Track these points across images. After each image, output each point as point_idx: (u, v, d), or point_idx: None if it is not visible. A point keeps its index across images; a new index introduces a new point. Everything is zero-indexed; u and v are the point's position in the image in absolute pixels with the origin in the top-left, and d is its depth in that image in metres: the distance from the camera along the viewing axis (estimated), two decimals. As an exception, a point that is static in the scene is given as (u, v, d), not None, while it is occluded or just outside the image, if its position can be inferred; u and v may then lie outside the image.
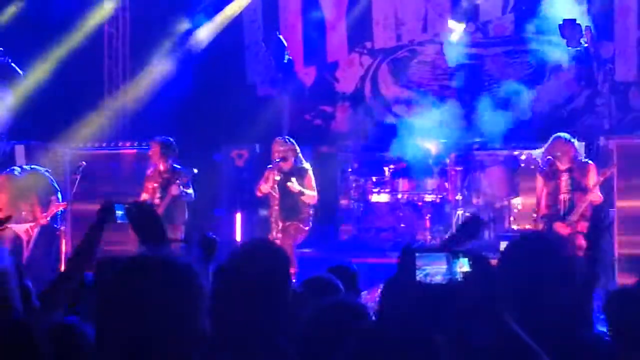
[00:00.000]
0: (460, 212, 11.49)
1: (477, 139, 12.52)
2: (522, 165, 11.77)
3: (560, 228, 8.87)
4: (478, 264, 2.31)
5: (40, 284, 3.99)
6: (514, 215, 11.65)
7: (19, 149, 11.78)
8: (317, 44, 14.11)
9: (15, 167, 10.43)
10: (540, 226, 9.34)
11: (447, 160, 11.72)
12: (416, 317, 2.38)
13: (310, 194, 10.05)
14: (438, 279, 2.33)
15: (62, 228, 10.54)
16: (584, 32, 12.27)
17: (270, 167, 10.18)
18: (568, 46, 12.37)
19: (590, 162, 9.38)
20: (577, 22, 12.29)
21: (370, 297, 7.79)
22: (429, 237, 11.48)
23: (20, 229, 9.98)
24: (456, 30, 12.23)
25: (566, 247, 3.59)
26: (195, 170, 10.25)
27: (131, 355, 2.16)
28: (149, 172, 10.35)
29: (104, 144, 12.45)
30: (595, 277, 3.40)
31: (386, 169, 12.15)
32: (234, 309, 3.12)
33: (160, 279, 2.21)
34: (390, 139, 13.04)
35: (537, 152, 9.79)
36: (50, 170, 10.61)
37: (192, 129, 12.85)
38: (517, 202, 11.53)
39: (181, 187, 9.92)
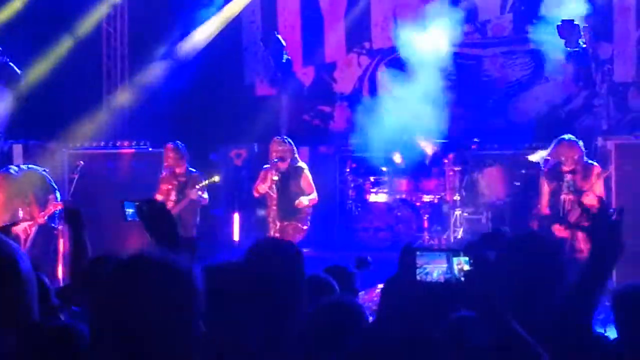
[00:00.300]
0: (458, 212, 11.49)
1: (475, 139, 12.51)
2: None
3: (559, 230, 8.86)
4: (478, 263, 2.30)
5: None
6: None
7: (17, 149, 11.78)
8: (315, 45, 14.10)
9: (12, 166, 10.42)
10: (535, 225, 9.34)
11: (445, 161, 11.70)
12: (416, 315, 2.38)
13: (313, 197, 10.13)
14: (438, 277, 2.32)
15: (60, 227, 10.53)
16: (582, 33, 12.26)
17: (266, 168, 10.20)
18: (566, 46, 12.35)
19: (595, 164, 9.32)
20: (576, 22, 12.27)
21: (368, 297, 7.79)
22: (427, 237, 11.47)
23: (18, 228, 9.97)
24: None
25: (560, 247, 3.56)
26: (218, 178, 10.44)
27: (125, 355, 2.15)
28: (163, 174, 10.59)
29: (102, 144, 12.44)
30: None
31: (384, 169, 12.14)
32: (244, 310, 3.14)
33: (153, 279, 2.20)
34: (389, 139, 13.04)
35: (537, 157, 9.74)
36: (47, 170, 10.60)
37: (190, 128, 12.84)
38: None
39: (199, 192, 10.13)
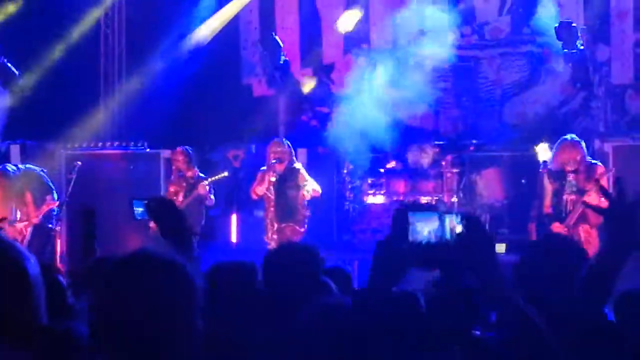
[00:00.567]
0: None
1: (473, 141, 12.52)
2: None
3: (558, 229, 8.84)
4: (471, 224, 2.26)
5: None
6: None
7: (15, 149, 11.78)
8: (313, 46, 14.10)
9: (10, 165, 10.40)
10: (533, 227, 9.33)
11: (443, 162, 11.70)
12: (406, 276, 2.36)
13: (315, 185, 10.13)
14: (429, 236, 2.29)
15: (57, 228, 10.52)
16: (579, 35, 12.28)
17: (263, 170, 10.21)
18: (564, 48, 12.37)
19: (599, 164, 9.28)
20: (573, 24, 12.29)
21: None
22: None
23: (13, 229, 9.96)
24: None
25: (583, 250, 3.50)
26: (227, 173, 10.57)
27: (125, 353, 2.16)
28: (172, 178, 10.84)
29: (99, 144, 12.43)
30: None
31: (382, 170, 12.14)
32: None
33: (151, 276, 2.20)
34: (387, 141, 13.05)
35: (542, 151, 9.67)
36: (45, 170, 10.58)
37: (188, 129, 12.84)
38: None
39: (207, 187, 10.39)
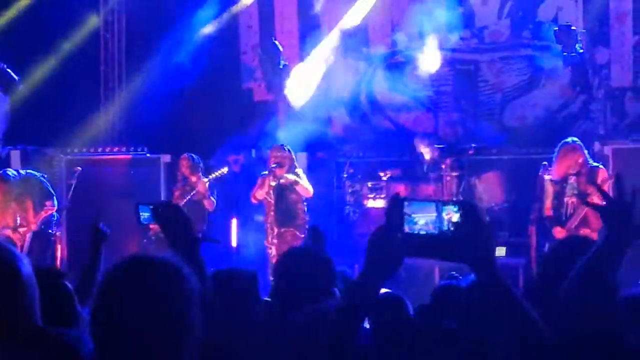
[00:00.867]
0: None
1: (473, 145, 12.52)
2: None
3: (559, 233, 8.82)
4: (469, 213, 2.23)
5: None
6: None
7: (15, 154, 11.79)
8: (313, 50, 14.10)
9: (11, 170, 10.39)
10: (533, 230, 9.31)
11: (443, 166, 11.71)
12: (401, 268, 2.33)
13: (306, 184, 10.10)
14: (427, 226, 2.25)
15: (58, 233, 10.52)
16: (579, 38, 12.29)
17: (263, 174, 10.22)
18: (563, 52, 12.38)
19: (601, 166, 9.23)
20: (573, 27, 12.30)
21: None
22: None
23: (16, 234, 9.96)
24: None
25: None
26: (226, 170, 10.64)
27: (125, 357, 2.16)
28: (177, 182, 10.93)
29: (99, 149, 12.44)
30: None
31: (382, 174, 12.14)
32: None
33: (149, 281, 2.21)
34: (386, 145, 13.07)
35: None
36: (45, 175, 10.59)
37: (188, 134, 12.85)
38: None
39: (207, 184, 10.57)
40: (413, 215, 2.25)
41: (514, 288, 2.24)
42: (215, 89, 13.65)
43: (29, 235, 10.00)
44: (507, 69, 13.65)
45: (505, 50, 13.69)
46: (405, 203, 2.28)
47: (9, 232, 9.94)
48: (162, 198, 11.30)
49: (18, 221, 9.95)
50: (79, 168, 11.00)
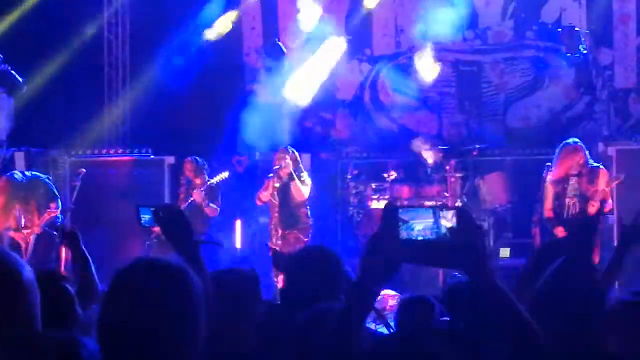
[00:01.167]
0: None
1: (477, 146, 12.52)
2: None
3: (561, 233, 8.82)
4: (463, 219, 2.24)
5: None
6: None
7: (19, 156, 11.79)
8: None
9: (17, 172, 10.40)
10: (536, 232, 9.31)
11: (447, 167, 11.70)
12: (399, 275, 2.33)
13: (301, 185, 10.04)
14: (424, 232, 2.25)
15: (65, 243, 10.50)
16: (583, 39, 12.29)
17: (270, 176, 10.22)
18: (567, 53, 12.38)
19: (601, 167, 9.23)
20: (576, 28, 12.30)
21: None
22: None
23: (20, 235, 9.98)
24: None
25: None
26: (227, 174, 10.60)
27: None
28: (182, 184, 10.94)
29: (103, 151, 12.46)
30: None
31: (386, 175, 12.14)
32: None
33: (154, 284, 2.21)
34: (390, 146, 13.07)
35: None
36: (51, 177, 10.60)
37: (191, 135, 12.86)
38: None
39: (204, 194, 10.47)
40: (411, 222, 2.25)
41: (509, 293, 2.24)
42: (219, 90, 13.66)
43: (32, 237, 10.01)
44: (511, 70, 13.65)
45: (508, 51, 13.69)
46: (402, 210, 2.28)
47: (12, 233, 9.96)
48: (166, 199, 11.30)
49: (22, 222, 9.97)
50: (83, 170, 11.01)
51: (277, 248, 10.17)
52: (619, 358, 2.84)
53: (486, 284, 2.22)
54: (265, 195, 10.23)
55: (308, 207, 10.28)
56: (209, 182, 10.59)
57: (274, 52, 13.21)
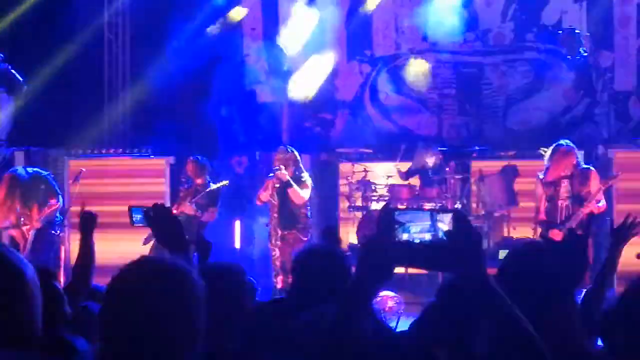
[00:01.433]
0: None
1: (477, 147, 12.53)
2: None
3: (556, 235, 8.83)
4: (460, 222, 2.24)
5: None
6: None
7: (19, 155, 11.80)
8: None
9: (20, 168, 10.40)
10: (539, 232, 9.31)
11: (447, 169, 11.70)
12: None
13: (298, 189, 10.02)
14: (422, 236, 2.25)
15: (62, 234, 10.53)
16: (583, 41, 12.30)
17: (270, 176, 10.21)
18: (567, 55, 12.39)
19: (592, 168, 9.28)
20: (577, 31, 12.31)
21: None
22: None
23: (19, 231, 9.98)
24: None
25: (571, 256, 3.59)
26: (226, 182, 10.52)
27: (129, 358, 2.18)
28: (183, 183, 10.75)
29: (103, 151, 12.46)
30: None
31: (385, 177, 12.13)
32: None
33: (156, 284, 2.22)
34: (390, 147, 13.06)
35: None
36: (52, 175, 10.59)
37: (191, 135, 12.87)
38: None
39: (194, 205, 10.32)
40: (408, 224, 2.25)
41: (505, 296, 2.24)
42: (219, 91, 13.66)
43: (31, 233, 10.01)
44: (511, 72, 13.66)
45: (509, 53, 13.70)
46: (397, 212, 2.28)
47: (11, 229, 9.97)
48: (166, 199, 11.29)
49: (22, 220, 9.97)
50: (83, 169, 11.01)
51: (276, 249, 10.18)
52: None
53: (482, 287, 2.22)
54: (265, 195, 10.22)
55: (309, 207, 10.28)
56: (207, 190, 10.44)
57: (275, 52, 13.22)
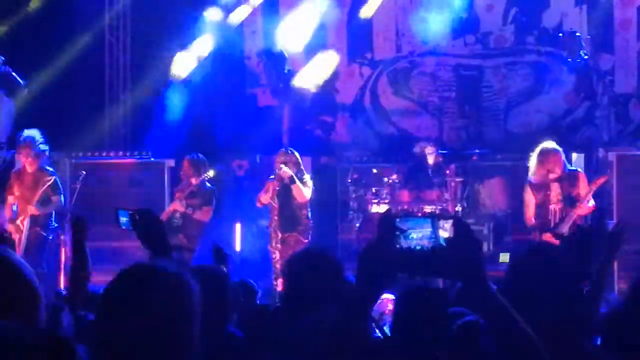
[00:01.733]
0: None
1: (477, 150, 12.53)
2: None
3: (550, 239, 8.82)
4: (461, 229, 2.24)
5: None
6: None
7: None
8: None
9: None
10: (536, 235, 9.31)
11: (447, 171, 11.71)
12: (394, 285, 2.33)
13: (301, 186, 9.97)
14: (421, 242, 2.24)
15: (62, 237, 10.53)
16: (583, 44, 12.30)
17: (271, 179, 10.20)
18: (568, 58, 12.39)
19: (579, 170, 9.32)
20: (577, 34, 12.32)
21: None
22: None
23: (14, 226, 9.98)
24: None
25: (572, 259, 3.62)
26: (212, 173, 10.37)
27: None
28: (180, 186, 10.62)
29: (104, 154, 12.46)
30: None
31: (386, 179, 12.14)
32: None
33: (152, 289, 2.22)
34: (390, 150, 13.07)
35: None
36: (57, 173, 10.57)
37: (192, 138, 12.86)
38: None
39: (184, 203, 10.13)
40: (409, 231, 2.25)
41: (506, 303, 2.24)
42: (220, 94, 13.66)
43: (26, 222, 9.96)
44: (512, 75, 13.66)
45: (509, 56, 13.71)
46: (400, 220, 2.27)
47: (10, 224, 9.98)
48: (166, 202, 11.27)
49: (18, 217, 9.98)
50: (84, 172, 11.01)
51: (277, 251, 10.17)
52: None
53: (482, 295, 2.22)
54: (265, 197, 10.21)
55: (309, 208, 10.26)
56: (190, 188, 10.26)
57: (275, 56, 13.22)
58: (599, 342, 3.50)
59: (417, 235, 2.23)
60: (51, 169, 10.40)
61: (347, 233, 12.53)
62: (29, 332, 1.95)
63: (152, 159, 12.15)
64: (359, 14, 13.62)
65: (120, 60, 14.03)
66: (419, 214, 10.25)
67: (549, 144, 9.13)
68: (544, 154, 9.03)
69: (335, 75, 13.99)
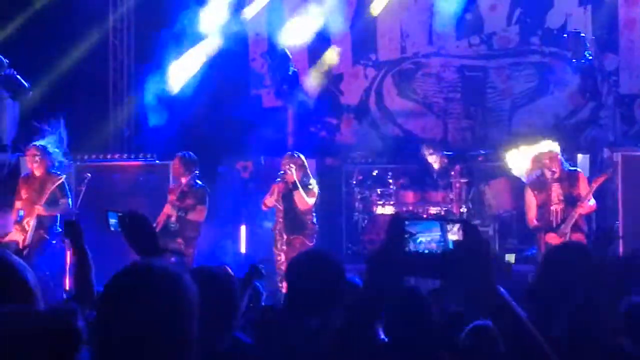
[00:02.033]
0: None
1: (482, 151, 12.52)
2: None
3: (553, 239, 8.82)
4: (468, 232, 2.23)
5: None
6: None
7: (24, 161, 11.80)
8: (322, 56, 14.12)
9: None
10: (542, 236, 9.31)
11: (452, 173, 11.70)
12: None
13: (304, 194, 9.94)
14: (431, 246, 2.24)
15: (67, 241, 10.51)
16: (588, 45, 12.29)
17: (277, 181, 10.18)
18: (572, 58, 12.37)
19: (579, 170, 9.33)
20: (582, 34, 12.30)
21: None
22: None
23: (19, 227, 10.00)
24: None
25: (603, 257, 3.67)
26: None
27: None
28: (172, 185, 10.56)
29: (109, 156, 12.46)
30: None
31: (391, 181, 12.14)
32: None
33: (151, 289, 2.22)
34: (395, 151, 13.07)
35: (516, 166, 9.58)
36: (65, 176, 10.57)
37: (196, 140, 12.85)
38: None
39: (176, 206, 9.99)
40: (418, 234, 2.24)
41: (516, 307, 2.24)
42: (224, 96, 13.67)
43: (32, 222, 9.98)
44: (516, 76, 13.66)
45: (514, 56, 13.70)
46: (409, 223, 2.27)
47: (14, 227, 10.00)
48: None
49: (25, 221, 9.99)
50: (89, 175, 11.00)
51: (282, 254, 10.15)
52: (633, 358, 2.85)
53: (492, 298, 2.22)
54: (270, 200, 10.20)
55: (314, 213, 10.24)
56: (181, 186, 10.12)
57: (279, 57, 13.22)
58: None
59: (426, 239, 2.23)
60: (59, 173, 10.40)
61: (352, 234, 12.53)
62: (35, 317, 1.96)
63: (157, 161, 12.14)
64: (369, 10, 13.61)
65: (125, 63, 14.04)
66: (425, 216, 10.28)
67: (548, 141, 9.15)
68: (536, 154, 9.08)
69: (339, 77, 14.00)
